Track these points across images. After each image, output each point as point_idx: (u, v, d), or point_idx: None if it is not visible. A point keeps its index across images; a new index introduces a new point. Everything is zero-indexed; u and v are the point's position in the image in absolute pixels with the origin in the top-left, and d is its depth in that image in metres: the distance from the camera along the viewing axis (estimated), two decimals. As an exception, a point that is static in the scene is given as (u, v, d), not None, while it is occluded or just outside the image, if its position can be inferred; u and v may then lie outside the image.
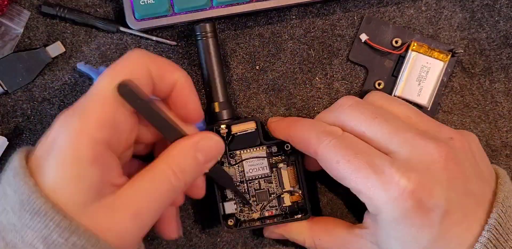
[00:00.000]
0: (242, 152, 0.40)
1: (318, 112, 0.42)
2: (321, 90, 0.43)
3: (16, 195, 0.28)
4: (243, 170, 0.40)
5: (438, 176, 0.32)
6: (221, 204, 0.39)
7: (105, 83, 0.31)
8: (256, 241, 0.42)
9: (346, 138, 0.34)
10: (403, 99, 0.41)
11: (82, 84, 0.42)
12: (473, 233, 0.31)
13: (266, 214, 0.40)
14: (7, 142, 0.41)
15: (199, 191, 0.36)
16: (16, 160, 0.30)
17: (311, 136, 0.35)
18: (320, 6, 0.42)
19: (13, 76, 0.41)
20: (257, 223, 0.39)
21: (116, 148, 0.31)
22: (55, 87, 0.42)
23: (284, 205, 0.39)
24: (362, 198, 0.33)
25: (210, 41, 0.40)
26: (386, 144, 0.33)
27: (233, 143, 0.40)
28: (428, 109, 0.42)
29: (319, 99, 0.43)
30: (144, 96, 0.31)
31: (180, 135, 0.33)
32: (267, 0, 0.40)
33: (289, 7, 0.42)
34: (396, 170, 0.32)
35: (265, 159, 0.40)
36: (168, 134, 0.33)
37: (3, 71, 0.41)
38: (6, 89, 0.41)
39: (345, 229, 0.38)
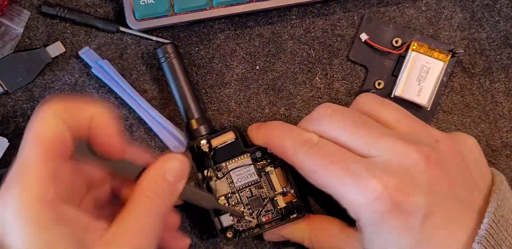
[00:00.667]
0: (227, 163, 0.40)
1: (318, 112, 0.43)
2: (321, 90, 0.43)
3: None
4: (232, 181, 0.40)
5: (417, 179, 0.31)
6: (216, 219, 0.39)
7: (32, 152, 0.28)
8: (256, 241, 0.42)
9: (322, 146, 0.34)
10: (403, 99, 0.41)
11: (82, 84, 0.42)
12: (458, 239, 0.31)
13: (264, 219, 0.40)
14: (8, 143, 0.41)
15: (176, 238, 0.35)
16: None
17: (287, 146, 0.35)
18: (320, 6, 0.42)
19: (13, 76, 0.41)
20: (256, 230, 0.39)
21: (74, 198, 0.30)
22: (55, 87, 0.42)
23: (279, 207, 0.40)
24: (342, 204, 0.33)
25: (174, 61, 0.40)
26: (368, 150, 0.33)
27: (216, 156, 0.40)
28: (428, 109, 0.42)
29: (319, 99, 0.43)
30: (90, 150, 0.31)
31: (140, 168, 0.32)
32: (267, 0, 0.40)
33: (289, 7, 0.42)
34: (373, 174, 0.31)
35: (251, 166, 0.40)
36: (130, 174, 0.32)
37: (3, 71, 0.41)
38: (6, 89, 0.41)
39: (339, 229, 0.38)
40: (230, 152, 0.40)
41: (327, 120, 0.35)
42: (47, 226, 0.27)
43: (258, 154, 0.40)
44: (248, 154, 0.40)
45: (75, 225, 0.28)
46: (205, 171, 0.40)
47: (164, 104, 0.42)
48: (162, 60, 0.40)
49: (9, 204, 0.27)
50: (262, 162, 0.40)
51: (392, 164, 0.32)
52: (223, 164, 0.40)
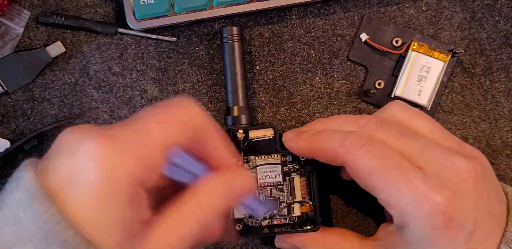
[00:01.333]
0: (256, 158, 0.39)
1: (319, 112, 0.42)
2: (322, 90, 0.43)
3: (36, 224, 0.25)
4: (256, 176, 0.39)
5: (467, 195, 0.32)
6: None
7: (157, 131, 0.27)
8: (256, 241, 0.42)
9: (375, 145, 0.33)
10: (403, 99, 0.41)
11: (82, 84, 0.42)
12: None
13: (275, 222, 0.39)
14: (10, 145, 0.41)
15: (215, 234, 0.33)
16: (28, 180, 0.26)
17: (335, 145, 0.34)
18: (320, 6, 0.42)
19: (13, 76, 0.41)
20: (265, 231, 0.39)
21: (146, 184, 0.28)
22: (55, 87, 0.42)
23: (293, 214, 0.39)
24: (390, 210, 0.32)
25: (236, 44, 0.40)
26: (416, 161, 0.33)
27: (249, 148, 0.39)
28: (428, 109, 0.42)
29: (319, 99, 0.43)
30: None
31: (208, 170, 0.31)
32: (267, 0, 0.40)
33: (289, 7, 0.42)
34: (430, 187, 0.31)
35: (279, 167, 0.39)
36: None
37: (3, 71, 0.41)
38: (6, 89, 0.41)
39: (358, 241, 0.37)
40: (263, 148, 0.39)
41: (374, 127, 0.34)
42: (118, 202, 0.26)
43: (289, 157, 0.39)
44: (280, 155, 0.39)
45: (138, 212, 0.27)
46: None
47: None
48: (225, 39, 0.40)
49: (97, 163, 0.26)
50: (290, 166, 0.39)
51: (443, 178, 0.32)
52: (252, 157, 0.39)
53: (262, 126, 0.39)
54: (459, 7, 0.42)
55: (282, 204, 0.39)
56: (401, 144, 0.33)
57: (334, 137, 0.34)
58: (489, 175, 0.34)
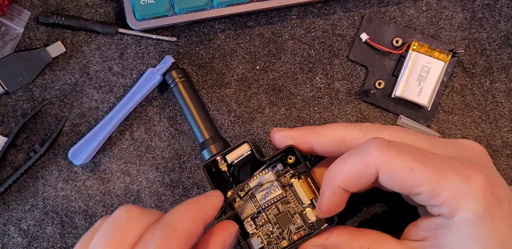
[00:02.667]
0: (249, 180, 0.37)
1: (319, 112, 0.42)
2: (322, 90, 0.43)
3: None
4: (256, 199, 0.37)
5: (490, 166, 0.33)
6: (244, 242, 0.36)
7: None
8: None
9: (397, 142, 0.32)
10: (404, 99, 0.41)
11: (82, 84, 0.42)
12: None
13: (295, 237, 0.36)
14: (8, 140, 0.41)
15: None
16: None
17: (359, 157, 0.32)
18: (320, 6, 0.42)
19: (13, 76, 0.41)
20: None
21: None
22: (55, 87, 0.42)
23: (309, 221, 0.36)
24: (438, 201, 0.31)
25: (182, 85, 0.41)
26: (430, 147, 0.33)
27: (236, 174, 0.38)
28: (428, 109, 0.42)
29: (319, 99, 0.43)
30: None
31: None
32: (267, 0, 0.40)
33: (289, 7, 0.42)
34: (468, 167, 0.31)
35: (274, 180, 0.37)
36: None
37: (4, 71, 0.41)
38: (6, 89, 0.41)
39: (395, 242, 0.35)
40: (249, 166, 0.38)
41: (382, 126, 0.35)
42: None
43: (280, 166, 0.37)
44: (269, 168, 0.37)
45: None
46: (228, 193, 0.37)
47: (165, 103, 0.42)
48: (172, 84, 0.41)
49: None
50: (285, 175, 0.37)
51: (465, 157, 0.33)
52: (243, 183, 0.37)
53: (235, 145, 0.37)
54: (460, 7, 0.42)
55: (294, 215, 0.36)
56: (410, 136, 0.34)
57: (353, 154, 0.33)
58: None
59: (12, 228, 0.42)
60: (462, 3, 0.42)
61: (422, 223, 0.34)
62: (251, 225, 0.37)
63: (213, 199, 0.33)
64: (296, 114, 0.43)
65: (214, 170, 0.38)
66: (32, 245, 0.42)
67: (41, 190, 0.42)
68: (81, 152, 0.41)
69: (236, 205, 0.37)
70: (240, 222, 0.37)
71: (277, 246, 0.36)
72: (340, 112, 0.43)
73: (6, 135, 0.42)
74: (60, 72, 0.42)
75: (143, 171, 0.42)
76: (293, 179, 0.37)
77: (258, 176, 0.37)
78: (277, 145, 0.37)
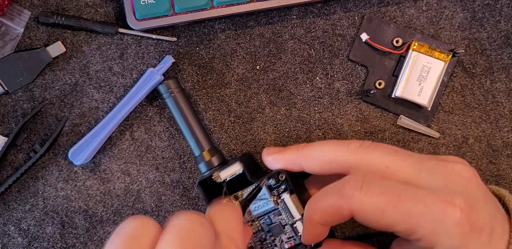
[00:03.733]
0: (242, 192, 0.39)
1: (319, 112, 0.42)
2: (322, 90, 0.43)
3: None
4: (249, 210, 0.39)
5: (476, 194, 0.32)
6: None
7: None
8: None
9: (373, 181, 0.32)
10: (404, 99, 0.41)
11: (82, 84, 0.42)
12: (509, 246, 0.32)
13: (286, 246, 0.38)
14: (8, 140, 0.41)
15: None
16: None
17: (334, 199, 0.33)
18: (320, 6, 0.42)
19: (13, 76, 0.41)
20: None
21: None
22: (56, 87, 0.42)
23: (300, 233, 0.37)
24: (416, 236, 0.32)
25: (177, 96, 0.40)
26: (416, 174, 0.33)
27: (231, 185, 0.39)
28: (429, 109, 0.42)
29: (319, 99, 0.43)
30: None
31: None
32: (267, 0, 0.40)
33: (289, 7, 0.42)
34: (445, 198, 0.31)
35: (266, 195, 0.38)
36: None
37: (4, 71, 0.41)
38: (6, 89, 0.41)
39: None
40: (241, 183, 0.38)
41: (366, 151, 0.34)
42: None
43: (272, 181, 0.38)
44: (264, 181, 0.38)
45: None
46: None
47: (165, 104, 0.42)
48: (166, 96, 0.41)
49: None
50: (277, 189, 0.38)
51: (451, 185, 0.32)
52: (239, 193, 0.39)
53: (229, 163, 0.38)
54: (460, 7, 0.42)
55: (286, 226, 0.38)
56: (399, 160, 0.33)
57: (329, 192, 0.33)
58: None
59: (12, 228, 0.42)
60: (463, 3, 0.42)
61: (405, 243, 0.35)
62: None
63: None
64: (296, 114, 0.43)
65: (209, 183, 0.39)
66: (32, 245, 0.42)
67: (41, 190, 0.42)
68: (81, 152, 0.41)
69: None
70: None
71: None
72: (340, 112, 0.43)
73: (6, 135, 0.42)
74: (60, 72, 0.42)
75: (143, 171, 0.42)
76: (285, 194, 0.37)
77: (250, 191, 0.38)
78: (269, 167, 0.38)
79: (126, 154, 0.42)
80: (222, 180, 0.39)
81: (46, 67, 0.42)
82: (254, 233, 0.39)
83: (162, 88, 0.41)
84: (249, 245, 0.38)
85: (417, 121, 0.42)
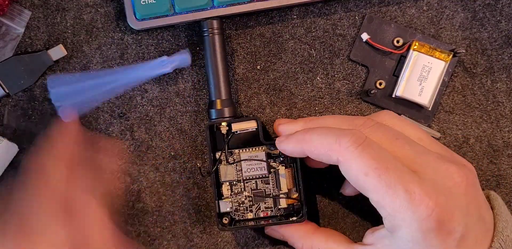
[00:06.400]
0: (241, 151, 0.40)
1: (320, 112, 0.42)
2: (322, 90, 0.43)
3: None
4: (241, 169, 0.40)
5: (459, 200, 0.32)
6: (217, 202, 0.39)
7: None
8: (257, 241, 0.42)
9: (372, 145, 0.32)
10: (404, 99, 0.41)
11: (83, 84, 0.42)
12: None
13: (261, 214, 0.39)
14: (18, 149, 0.41)
15: None
16: None
17: (330, 141, 0.33)
18: (321, 6, 0.42)
19: (14, 79, 0.41)
20: (251, 223, 0.39)
21: None
22: (56, 87, 0.42)
23: (280, 206, 0.39)
24: (382, 212, 0.32)
25: (217, 38, 0.40)
26: (410, 164, 0.33)
27: (233, 141, 0.40)
28: (429, 109, 0.42)
29: (320, 99, 0.43)
30: None
31: None
32: (268, 0, 0.40)
33: (290, 7, 0.42)
34: (426, 191, 0.31)
35: (264, 159, 0.39)
36: None
37: (5, 73, 0.41)
38: (7, 91, 0.41)
39: (346, 244, 0.37)
40: (248, 140, 0.39)
41: (369, 130, 0.34)
42: None
43: (276, 150, 0.39)
44: (264, 147, 0.39)
45: None
46: (218, 154, 0.39)
47: (165, 103, 0.42)
48: (205, 33, 0.40)
49: None
50: (275, 159, 0.39)
51: (438, 183, 0.32)
52: (236, 150, 0.40)
53: (245, 118, 0.39)
54: (460, 7, 0.42)
55: (269, 196, 0.39)
56: (396, 147, 0.33)
57: (330, 133, 0.34)
58: (478, 184, 0.35)
59: (14, 228, 0.42)
60: (463, 2, 0.42)
61: (372, 229, 0.36)
62: (227, 190, 0.39)
63: None
64: (296, 114, 0.43)
65: (215, 130, 0.40)
66: (34, 245, 0.42)
67: (42, 190, 0.42)
68: (61, 85, 0.41)
69: (221, 166, 0.40)
70: (218, 183, 0.40)
71: (242, 216, 0.39)
72: (340, 112, 0.43)
73: (6, 135, 0.42)
74: (60, 72, 0.42)
75: (144, 171, 0.42)
76: (281, 166, 0.39)
77: (251, 150, 0.39)
78: (279, 148, 0.38)
79: (126, 154, 0.42)
80: (231, 132, 0.39)
81: (47, 69, 0.42)
82: (235, 194, 0.39)
83: (205, 24, 0.40)
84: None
85: (417, 121, 0.42)
